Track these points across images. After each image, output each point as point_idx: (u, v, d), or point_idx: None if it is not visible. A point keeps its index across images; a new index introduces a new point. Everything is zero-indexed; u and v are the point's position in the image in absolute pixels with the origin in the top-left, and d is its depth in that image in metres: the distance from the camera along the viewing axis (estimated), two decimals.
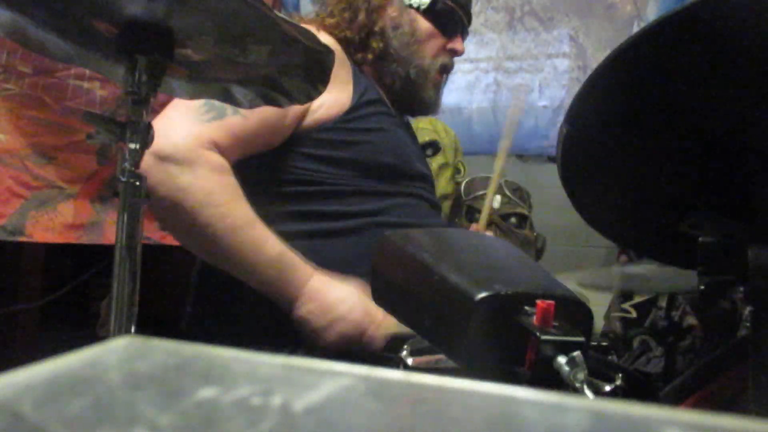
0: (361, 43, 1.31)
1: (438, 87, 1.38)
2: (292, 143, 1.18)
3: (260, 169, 1.16)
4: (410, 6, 1.33)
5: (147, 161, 0.99)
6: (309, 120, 1.18)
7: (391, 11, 1.33)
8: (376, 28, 1.31)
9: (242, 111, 1.08)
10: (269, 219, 1.10)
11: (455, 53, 1.38)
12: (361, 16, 1.30)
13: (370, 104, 1.24)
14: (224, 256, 1.06)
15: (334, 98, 1.18)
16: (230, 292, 1.16)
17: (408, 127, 1.42)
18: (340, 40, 1.28)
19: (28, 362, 0.24)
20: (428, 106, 1.39)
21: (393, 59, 1.32)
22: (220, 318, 1.17)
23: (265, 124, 1.13)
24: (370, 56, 1.31)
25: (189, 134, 1.04)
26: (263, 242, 1.06)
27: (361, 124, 1.21)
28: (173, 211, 1.03)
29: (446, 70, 1.38)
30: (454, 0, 1.36)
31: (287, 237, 1.10)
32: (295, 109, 1.15)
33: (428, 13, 1.33)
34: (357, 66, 1.29)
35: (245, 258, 1.05)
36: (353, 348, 1.06)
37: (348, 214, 1.17)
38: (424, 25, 1.33)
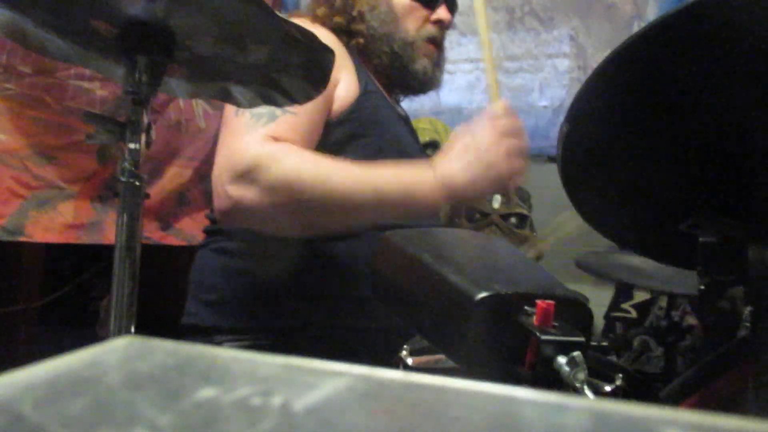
0: (348, 29, 1.29)
1: (432, 58, 1.34)
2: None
3: None
4: None
5: (235, 189, 1.01)
6: (334, 109, 1.18)
7: None
8: (354, 13, 1.29)
9: (290, 110, 1.08)
10: None
11: (441, 23, 1.34)
12: (338, 2, 1.29)
13: (372, 94, 1.23)
14: (357, 204, 1.05)
15: (347, 87, 1.18)
16: (229, 286, 1.16)
17: (407, 122, 1.40)
18: (334, 29, 1.27)
19: (28, 362, 0.24)
20: (425, 79, 1.35)
21: (375, 39, 1.29)
22: (220, 314, 1.17)
23: (316, 119, 1.13)
24: (360, 41, 1.29)
25: (250, 143, 1.04)
26: (372, 172, 1.05)
27: (367, 114, 1.20)
28: (294, 202, 1.02)
29: (435, 41, 1.34)
30: None
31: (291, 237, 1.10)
32: (324, 99, 1.13)
33: None
34: (353, 55, 1.28)
35: (375, 191, 1.04)
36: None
37: None
38: (399, 1, 1.31)
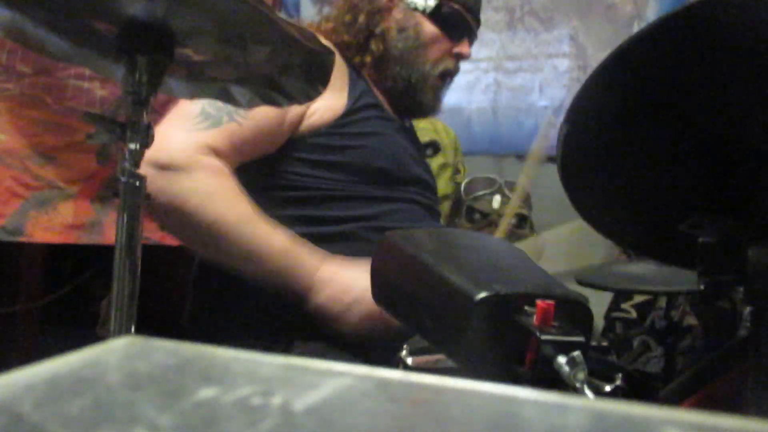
0: (360, 46, 1.30)
1: (437, 91, 1.36)
2: (287, 148, 1.18)
3: (255, 174, 1.17)
4: (416, 9, 1.32)
5: (146, 172, 1.01)
6: (304, 125, 1.18)
7: (396, 13, 1.32)
8: (378, 30, 1.30)
9: (238, 117, 1.10)
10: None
11: (461, 57, 1.36)
12: (362, 18, 1.30)
13: (366, 108, 1.24)
14: (230, 254, 1.07)
15: (328, 104, 1.19)
16: (231, 286, 1.16)
17: (408, 131, 1.41)
18: (338, 45, 1.26)
19: (28, 362, 0.24)
20: (426, 110, 1.38)
21: (395, 61, 1.31)
22: (220, 312, 1.17)
23: (262, 130, 1.13)
24: (368, 59, 1.30)
25: (185, 141, 1.06)
26: (268, 236, 1.06)
27: (355, 128, 1.21)
28: (176, 216, 1.05)
29: (448, 74, 1.37)
30: (461, 3, 1.34)
31: None
32: (291, 114, 1.15)
33: (434, 16, 1.31)
34: (355, 70, 1.29)
35: (251, 253, 1.06)
36: (376, 334, 1.05)
37: (340, 219, 1.17)
38: (429, 28, 1.32)
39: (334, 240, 1.15)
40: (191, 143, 1.06)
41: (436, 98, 1.37)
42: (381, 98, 1.32)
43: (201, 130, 1.07)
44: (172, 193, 1.03)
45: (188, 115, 1.08)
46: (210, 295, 1.19)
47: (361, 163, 1.20)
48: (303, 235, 1.13)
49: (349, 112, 1.21)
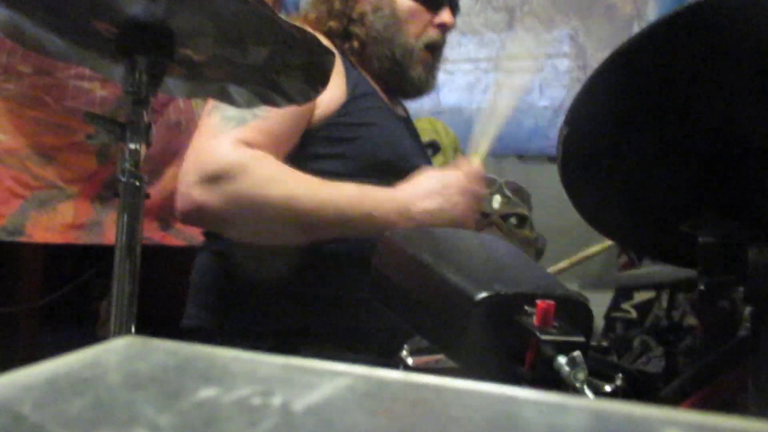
0: (344, 32, 1.29)
1: (427, 65, 1.33)
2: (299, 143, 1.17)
3: None
4: None
5: (199, 192, 1.02)
6: (317, 115, 1.17)
7: None
8: (355, 15, 1.28)
9: (261, 113, 1.08)
10: None
11: (444, 27, 1.33)
12: (337, 5, 1.28)
13: (364, 97, 1.23)
14: (318, 225, 1.07)
15: (330, 94, 1.16)
16: (229, 288, 1.16)
17: (407, 121, 1.39)
18: (326, 34, 1.25)
19: (28, 362, 0.24)
20: (419, 85, 1.34)
21: (377, 42, 1.29)
22: (221, 316, 1.17)
23: (288, 123, 1.13)
24: (355, 44, 1.28)
25: (221, 145, 1.05)
26: (340, 191, 1.07)
27: (357, 118, 1.20)
28: (252, 218, 1.04)
29: (435, 46, 1.33)
30: None
31: None
32: (308, 107, 1.14)
33: None
34: (346, 58, 1.27)
35: (337, 210, 1.06)
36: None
37: None
38: (404, 3, 1.29)
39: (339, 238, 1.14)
40: (227, 145, 1.05)
41: (428, 72, 1.34)
42: (374, 85, 1.30)
43: (230, 130, 1.06)
44: (237, 198, 1.02)
45: (210, 125, 1.08)
46: (210, 299, 1.19)
47: (364, 155, 1.20)
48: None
49: (349, 101, 1.20)
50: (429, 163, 1.39)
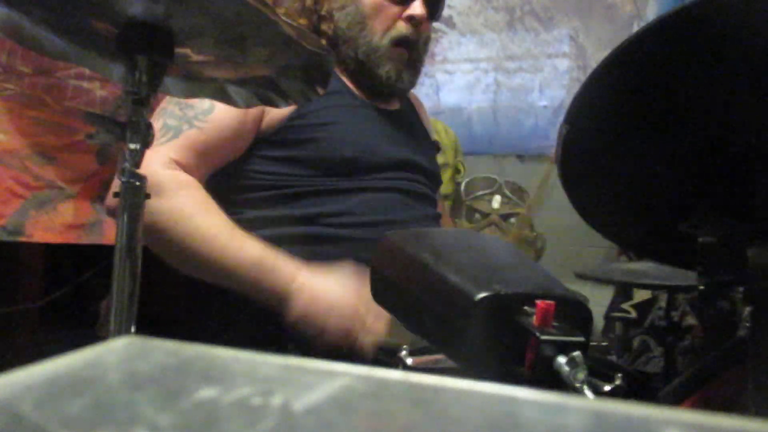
0: (315, 30, 1.25)
1: (399, 61, 1.26)
2: (251, 148, 1.16)
3: (221, 177, 1.15)
4: None
5: (112, 199, 1.01)
6: (266, 121, 1.16)
7: None
8: (323, 12, 1.25)
9: (199, 123, 1.08)
10: (260, 226, 1.10)
11: (414, 19, 1.24)
12: (308, 1, 1.25)
13: (325, 97, 1.15)
14: (206, 269, 1.06)
15: None
16: (224, 295, 1.16)
17: (395, 112, 1.33)
18: None
19: (28, 362, 0.24)
20: (389, 84, 1.27)
21: (343, 42, 1.25)
22: (214, 319, 1.17)
23: (225, 133, 1.11)
24: (324, 42, 1.22)
25: (152, 160, 1.02)
26: (240, 247, 1.05)
27: (313, 119, 1.17)
28: (150, 236, 1.02)
29: (404, 40, 1.25)
30: None
31: None
32: (252, 112, 1.13)
33: None
34: None
35: (226, 266, 1.04)
36: (354, 344, 1.02)
37: (309, 216, 1.14)
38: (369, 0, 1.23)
39: (306, 240, 1.13)
40: (153, 161, 1.03)
41: (401, 68, 1.26)
42: (347, 82, 1.27)
43: (162, 145, 1.06)
44: (151, 215, 1.02)
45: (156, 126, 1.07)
46: (202, 302, 1.19)
47: (325, 155, 1.16)
48: (273, 237, 1.11)
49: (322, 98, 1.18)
50: (423, 154, 1.32)
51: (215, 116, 1.09)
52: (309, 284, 1.04)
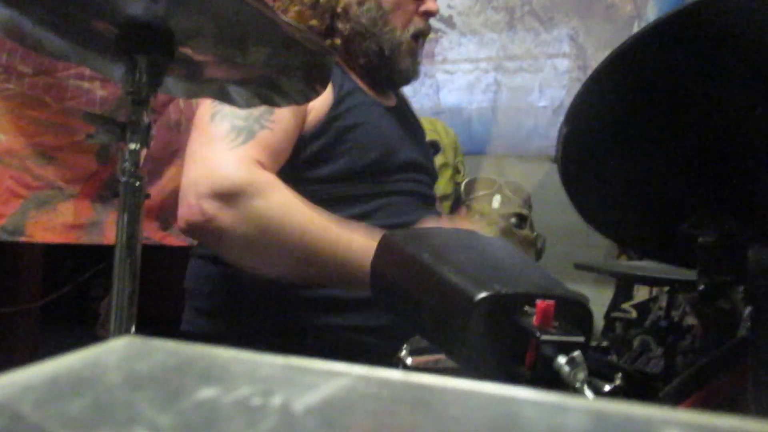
0: (328, 29, 1.26)
1: (414, 54, 1.30)
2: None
3: None
4: None
5: (212, 206, 0.99)
6: (307, 123, 1.15)
7: None
8: (339, 9, 1.25)
9: (267, 123, 1.07)
10: None
11: (429, 14, 1.30)
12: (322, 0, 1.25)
13: (349, 96, 1.20)
14: (323, 262, 1.04)
15: (321, 96, 1.16)
16: (222, 293, 1.15)
17: (397, 110, 1.35)
18: None
19: (28, 362, 0.24)
20: (407, 76, 1.32)
21: (363, 37, 1.25)
22: (218, 320, 1.16)
23: (289, 134, 1.11)
24: (338, 41, 1.25)
25: (235, 163, 1.02)
26: (350, 235, 1.04)
27: (345, 120, 1.17)
28: (263, 241, 1.01)
29: (421, 34, 1.30)
30: None
31: None
32: (302, 111, 1.12)
33: None
34: None
35: (344, 255, 1.03)
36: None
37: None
38: None
39: None
40: (242, 163, 1.02)
41: (414, 62, 1.31)
42: (358, 81, 1.28)
43: (240, 146, 1.04)
44: (254, 218, 1.00)
45: (220, 135, 1.05)
46: (206, 304, 1.18)
47: (356, 156, 1.17)
48: None
49: (336, 102, 1.17)
50: (422, 152, 1.35)
51: (278, 117, 1.08)
52: None
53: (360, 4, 1.25)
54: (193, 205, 1.01)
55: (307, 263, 1.04)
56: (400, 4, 1.27)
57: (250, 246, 1.03)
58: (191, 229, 1.04)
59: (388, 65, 1.28)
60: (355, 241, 1.04)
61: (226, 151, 1.03)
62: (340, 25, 1.25)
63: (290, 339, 1.09)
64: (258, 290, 1.11)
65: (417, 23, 1.29)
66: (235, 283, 1.14)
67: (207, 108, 1.09)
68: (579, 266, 1.82)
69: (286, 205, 1.03)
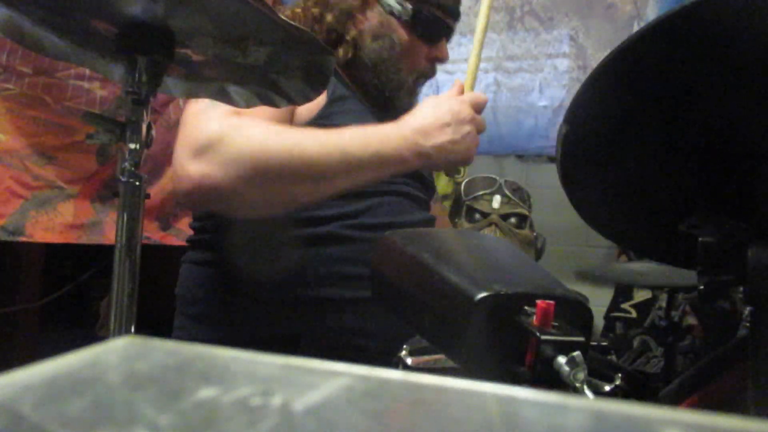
0: (327, 43, 1.21)
1: (413, 93, 1.29)
2: None
3: None
4: (392, 14, 1.21)
5: (196, 166, 0.95)
6: (294, 122, 1.14)
7: (371, 18, 1.21)
8: (348, 36, 1.21)
9: (245, 111, 1.04)
10: (256, 228, 1.08)
11: (439, 61, 1.28)
12: (330, 18, 1.21)
13: (341, 100, 1.18)
14: (330, 169, 1.00)
15: None
16: (214, 298, 1.14)
17: (389, 115, 1.31)
18: None
19: (28, 362, 0.24)
20: (399, 113, 1.25)
21: (367, 69, 1.23)
22: (205, 325, 1.15)
23: (270, 113, 1.06)
24: (339, 53, 1.21)
25: (211, 118, 0.99)
26: (339, 134, 1.02)
27: (334, 121, 1.15)
28: (258, 172, 0.97)
29: (424, 77, 1.29)
30: (441, 6, 1.23)
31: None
32: (283, 111, 1.10)
33: (411, 22, 1.21)
34: None
35: (347, 153, 1.00)
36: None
37: (325, 218, 1.12)
38: (404, 37, 1.22)
39: (321, 241, 1.11)
40: (216, 116, 0.99)
41: (411, 100, 1.28)
42: (355, 90, 1.25)
43: (219, 106, 0.99)
44: (236, 158, 0.95)
45: (198, 106, 1.02)
46: (198, 310, 1.17)
47: None
48: (284, 238, 1.10)
49: (327, 104, 1.15)
50: None
51: (257, 109, 1.05)
52: (420, 125, 1.05)
53: (375, 38, 1.22)
54: (179, 174, 0.98)
55: (309, 177, 1.01)
56: (412, 49, 1.23)
57: (247, 187, 0.98)
58: (189, 199, 1.02)
59: (386, 102, 1.26)
60: (346, 132, 1.02)
61: (202, 116, 1.01)
62: (341, 51, 1.22)
63: (285, 344, 1.08)
64: (252, 293, 1.10)
65: (423, 67, 1.27)
66: (229, 287, 1.13)
67: (190, 106, 1.08)
68: (580, 274, 1.82)
69: (264, 132, 0.99)
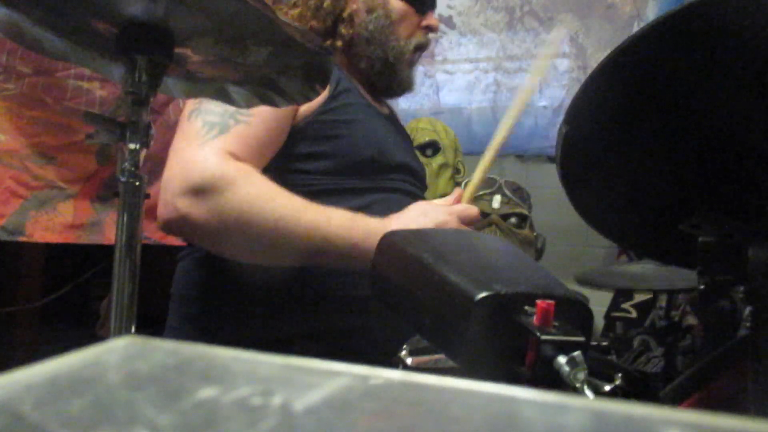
0: (328, 30, 1.28)
1: (412, 66, 1.36)
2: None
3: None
4: None
5: (185, 203, 0.99)
6: (299, 115, 1.15)
7: None
8: (345, 14, 1.28)
9: (243, 117, 1.07)
10: None
11: (431, 29, 1.36)
12: (327, 3, 1.28)
13: (345, 94, 1.21)
14: (301, 248, 1.04)
15: None
16: (212, 298, 1.14)
17: (392, 119, 1.38)
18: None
19: (28, 362, 0.24)
20: (404, 87, 1.36)
21: (368, 43, 1.29)
22: (202, 325, 1.15)
23: (271, 125, 1.10)
24: (339, 43, 1.28)
25: (206, 157, 1.02)
26: (329, 216, 1.04)
27: (339, 115, 1.18)
28: (239, 232, 1.01)
29: (421, 47, 1.35)
30: None
31: None
32: (290, 107, 1.12)
33: None
34: None
35: (320, 236, 1.03)
36: None
37: None
38: (397, 5, 1.30)
39: None
40: (213, 157, 1.02)
41: (411, 73, 1.36)
42: (356, 84, 1.29)
43: (213, 140, 1.03)
44: (225, 211, 0.99)
45: (192, 131, 1.05)
46: (194, 309, 1.16)
47: (347, 153, 1.17)
48: None
49: (331, 98, 1.18)
50: (413, 158, 1.38)
51: (258, 111, 1.06)
52: (400, 225, 1.07)
53: (369, 11, 1.29)
54: (167, 203, 1.01)
55: (285, 249, 1.04)
56: (405, 17, 1.31)
57: (225, 239, 1.03)
58: (168, 227, 1.05)
59: (390, 72, 1.31)
60: (334, 219, 1.05)
61: (198, 147, 1.03)
62: (343, 30, 1.28)
63: (280, 346, 1.08)
64: (249, 293, 1.10)
65: (419, 37, 1.34)
66: (225, 287, 1.13)
67: (187, 107, 1.10)
68: (579, 279, 1.82)
69: (257, 195, 1.02)
